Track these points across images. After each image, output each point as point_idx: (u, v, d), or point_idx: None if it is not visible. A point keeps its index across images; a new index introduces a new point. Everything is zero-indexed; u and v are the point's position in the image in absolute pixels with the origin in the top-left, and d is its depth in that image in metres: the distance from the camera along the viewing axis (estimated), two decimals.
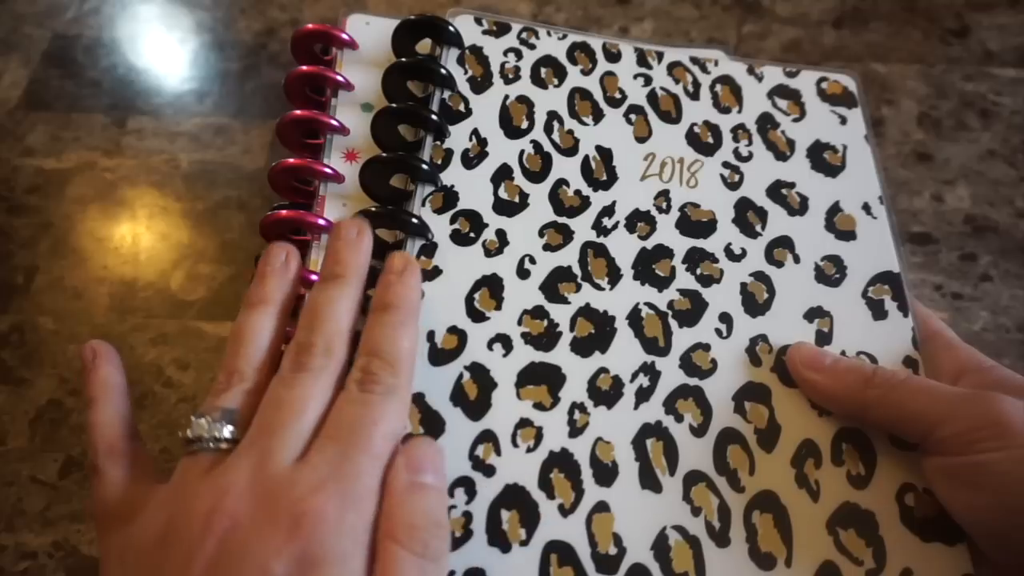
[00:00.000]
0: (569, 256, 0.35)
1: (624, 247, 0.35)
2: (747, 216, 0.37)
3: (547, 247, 0.35)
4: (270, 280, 0.31)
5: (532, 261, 0.34)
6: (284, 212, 0.34)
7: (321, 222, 0.34)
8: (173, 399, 0.50)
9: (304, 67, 0.36)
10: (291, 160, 0.34)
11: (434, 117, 0.35)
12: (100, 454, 0.30)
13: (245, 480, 0.26)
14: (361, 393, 0.28)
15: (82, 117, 0.61)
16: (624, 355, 0.33)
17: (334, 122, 0.36)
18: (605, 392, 0.32)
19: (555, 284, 0.34)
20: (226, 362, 0.30)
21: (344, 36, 0.38)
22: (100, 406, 0.31)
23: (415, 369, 0.30)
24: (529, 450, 0.31)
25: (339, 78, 0.37)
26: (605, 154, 0.37)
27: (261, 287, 0.31)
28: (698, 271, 0.35)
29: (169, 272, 0.54)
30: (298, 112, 0.35)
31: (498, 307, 0.33)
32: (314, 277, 0.32)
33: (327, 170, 0.35)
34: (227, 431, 0.27)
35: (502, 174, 0.36)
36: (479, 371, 0.32)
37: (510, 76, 0.38)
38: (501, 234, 0.35)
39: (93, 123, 0.60)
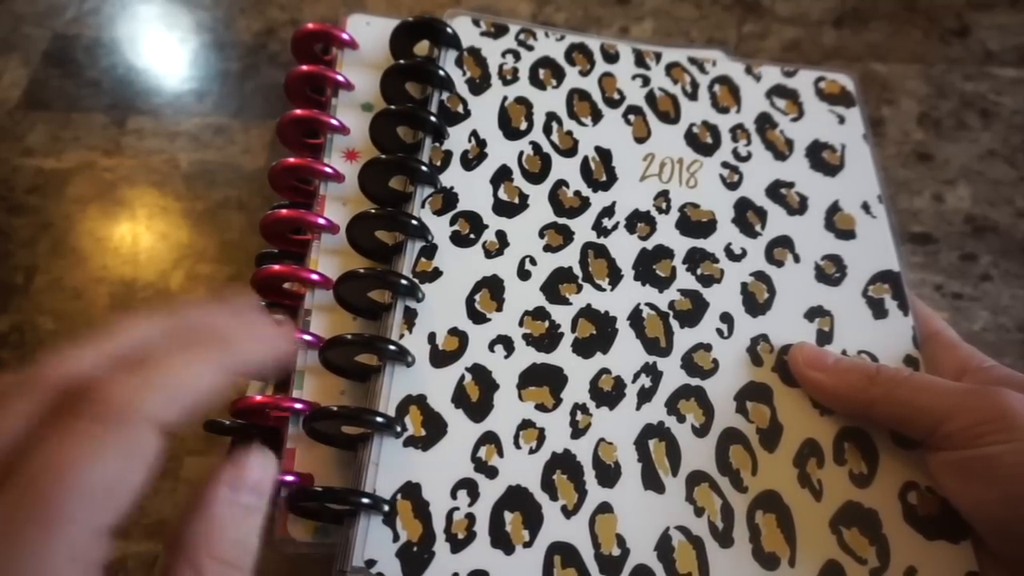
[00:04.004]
0: (569, 257, 0.35)
1: (624, 248, 0.35)
2: (747, 216, 0.37)
3: (547, 248, 0.35)
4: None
5: (532, 262, 0.34)
6: (284, 212, 0.34)
7: (321, 221, 0.34)
8: None
9: (304, 67, 0.36)
10: (291, 159, 0.34)
11: (433, 119, 0.35)
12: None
13: None
14: (61, 420, 0.19)
15: (82, 117, 0.61)
16: (625, 356, 0.33)
17: (334, 122, 0.36)
18: (607, 393, 0.32)
19: (556, 285, 0.34)
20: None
21: (344, 36, 0.38)
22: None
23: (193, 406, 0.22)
24: (531, 451, 0.31)
25: (339, 78, 0.37)
26: (604, 155, 0.37)
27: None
28: (698, 271, 0.35)
29: (169, 272, 0.54)
30: (298, 112, 0.35)
31: (499, 308, 0.33)
32: (315, 277, 0.32)
33: (327, 170, 0.35)
34: None
35: (501, 175, 0.36)
36: (481, 373, 0.32)
37: (508, 77, 0.38)
38: (501, 235, 0.35)
39: (93, 123, 0.60)
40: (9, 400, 0.20)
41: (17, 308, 0.53)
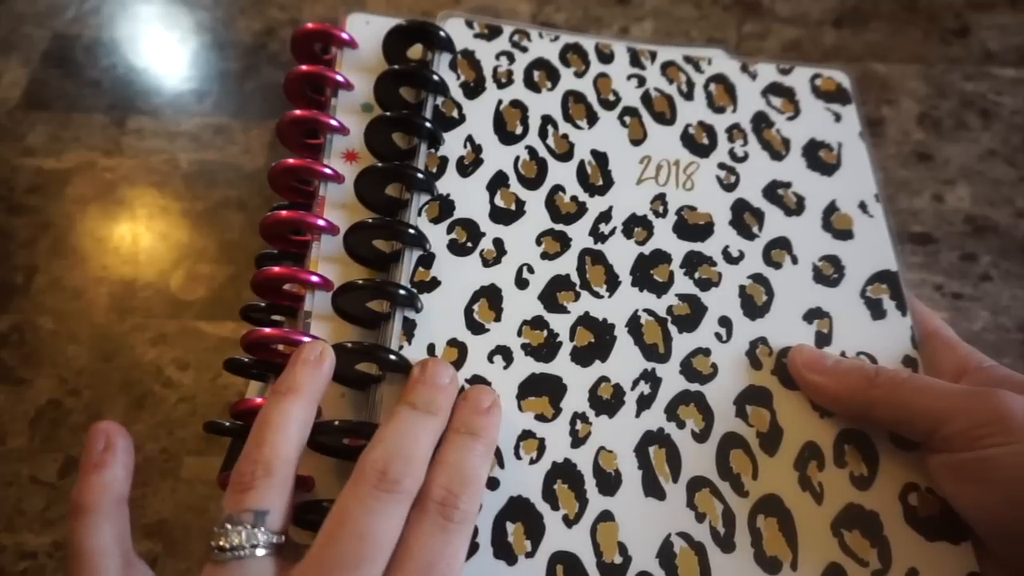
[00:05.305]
0: (567, 264, 0.34)
1: (622, 253, 0.35)
2: (744, 218, 0.36)
3: (545, 255, 0.35)
4: (302, 370, 0.29)
5: (530, 270, 0.34)
6: (284, 212, 0.34)
7: (321, 223, 0.34)
8: (173, 399, 0.50)
9: (304, 67, 0.36)
10: (291, 160, 0.34)
11: (428, 124, 0.35)
12: None
13: None
14: (442, 520, 0.27)
15: (82, 117, 0.61)
16: (624, 363, 0.33)
17: (334, 122, 0.36)
18: (606, 401, 0.32)
19: (554, 293, 0.34)
20: (248, 451, 0.27)
21: (344, 35, 0.38)
22: (94, 525, 0.27)
23: None
24: (532, 462, 0.31)
25: (339, 78, 0.37)
26: (600, 158, 0.37)
27: (292, 375, 0.29)
28: (696, 275, 0.35)
29: (169, 272, 0.55)
30: (298, 112, 0.35)
31: (497, 318, 0.33)
32: (314, 278, 0.32)
33: (327, 170, 0.35)
34: (265, 537, 0.26)
35: (498, 181, 0.36)
36: (480, 384, 0.32)
37: (503, 80, 0.38)
38: (498, 243, 0.34)
39: (93, 123, 0.60)
40: (401, 498, 0.26)
41: (17, 308, 0.53)
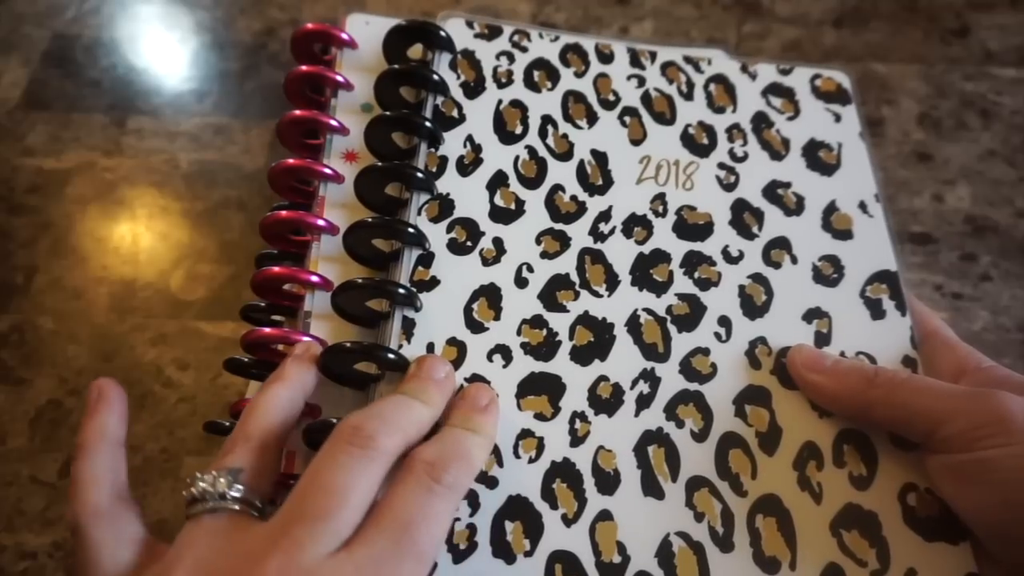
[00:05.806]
0: (567, 263, 0.34)
1: (621, 253, 0.35)
2: (743, 218, 0.36)
3: (544, 255, 0.35)
4: (289, 363, 0.30)
5: (530, 269, 0.34)
6: (284, 212, 0.34)
7: (321, 222, 0.34)
8: (173, 399, 0.50)
9: (304, 67, 0.36)
10: (291, 160, 0.34)
11: (428, 124, 0.35)
12: (81, 514, 0.27)
13: (273, 570, 0.23)
14: (428, 479, 0.26)
15: (82, 117, 0.61)
16: (624, 362, 0.33)
17: (334, 122, 0.36)
18: (605, 400, 0.32)
19: (553, 292, 0.34)
20: (234, 432, 0.28)
21: (344, 36, 0.38)
22: (88, 458, 0.28)
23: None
24: (531, 461, 0.31)
25: (339, 78, 0.37)
26: (600, 158, 0.37)
27: (280, 369, 0.30)
28: (696, 275, 0.35)
29: (169, 272, 0.54)
30: (298, 112, 0.35)
31: (497, 317, 0.33)
32: (314, 278, 0.32)
33: (327, 171, 0.35)
34: (235, 490, 0.26)
35: (497, 181, 0.36)
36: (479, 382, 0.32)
37: (503, 80, 0.38)
38: (498, 242, 0.34)
39: (93, 123, 0.60)
40: (375, 458, 0.26)
41: (17, 308, 0.53)
